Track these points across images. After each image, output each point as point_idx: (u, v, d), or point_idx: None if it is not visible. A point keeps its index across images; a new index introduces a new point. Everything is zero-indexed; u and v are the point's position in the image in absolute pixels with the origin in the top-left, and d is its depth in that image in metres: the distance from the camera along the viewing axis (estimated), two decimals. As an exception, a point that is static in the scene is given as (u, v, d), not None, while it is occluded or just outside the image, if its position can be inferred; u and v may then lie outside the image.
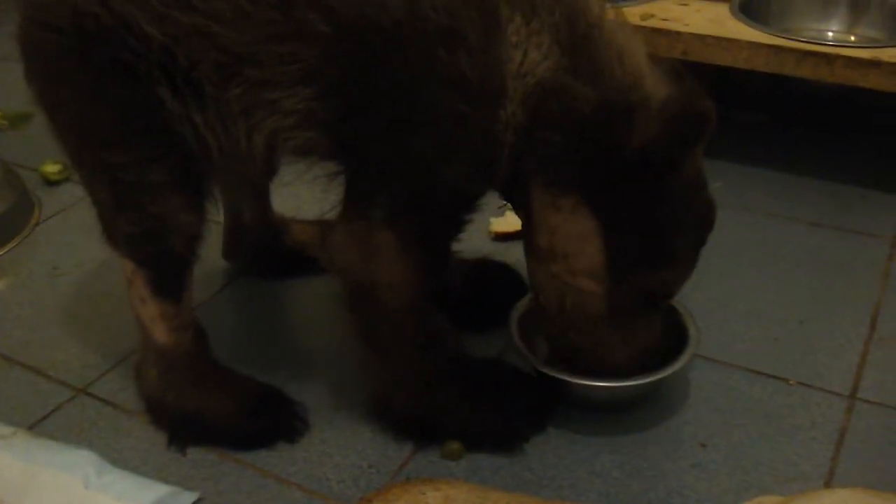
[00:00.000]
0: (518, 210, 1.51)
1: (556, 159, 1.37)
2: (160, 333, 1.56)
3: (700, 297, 1.85)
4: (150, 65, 1.34)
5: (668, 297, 1.51)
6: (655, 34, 2.22)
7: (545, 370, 1.58)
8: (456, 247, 1.61)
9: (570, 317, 1.49)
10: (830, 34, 2.44)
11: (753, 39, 2.18)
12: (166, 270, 1.52)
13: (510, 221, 2.07)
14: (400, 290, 1.46)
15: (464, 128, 1.32)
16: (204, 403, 1.58)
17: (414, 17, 1.26)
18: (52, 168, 2.32)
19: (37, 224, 2.19)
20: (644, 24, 2.24)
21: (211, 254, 1.92)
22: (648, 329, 1.54)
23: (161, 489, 1.45)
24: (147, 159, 1.41)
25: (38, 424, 1.62)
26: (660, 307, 1.53)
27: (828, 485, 1.48)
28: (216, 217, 1.76)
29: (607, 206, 1.38)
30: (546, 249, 1.46)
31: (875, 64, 2.06)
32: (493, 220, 2.07)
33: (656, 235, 1.41)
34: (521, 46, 1.31)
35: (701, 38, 2.21)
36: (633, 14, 2.28)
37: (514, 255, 1.98)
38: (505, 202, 1.54)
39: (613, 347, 1.53)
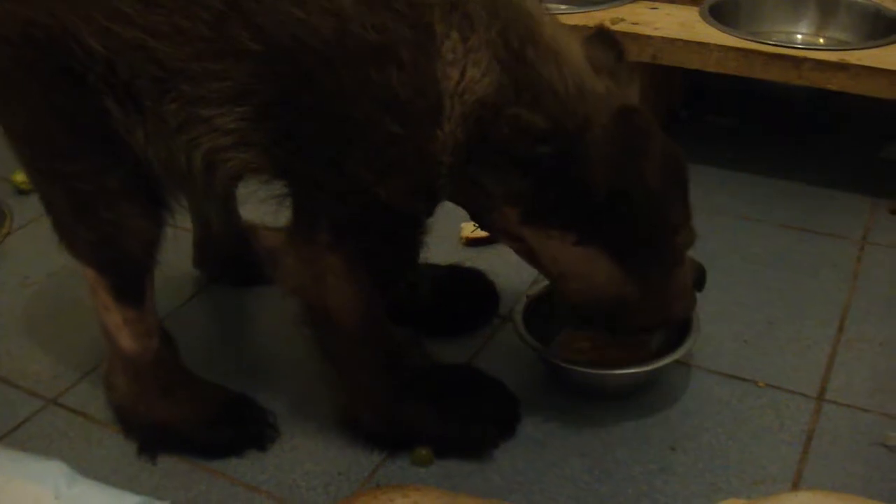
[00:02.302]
0: (491, 232, 1.54)
1: (527, 195, 1.39)
2: (125, 340, 1.56)
3: (670, 301, 1.86)
4: (95, 76, 1.34)
5: (692, 241, 1.53)
6: (625, 38, 2.22)
7: (553, 360, 1.64)
8: (426, 253, 1.61)
9: (616, 313, 1.53)
10: (799, 37, 2.46)
11: (723, 42, 2.20)
12: (126, 276, 1.52)
13: (481, 227, 2.07)
14: (352, 311, 1.47)
15: (397, 147, 1.32)
16: (173, 412, 1.58)
17: (344, 36, 1.26)
18: (22, 177, 2.30)
19: (7, 234, 2.18)
20: (614, 27, 2.25)
21: (181, 262, 1.93)
22: (688, 269, 1.57)
23: (132, 499, 1.44)
24: (100, 168, 1.41)
25: (9, 435, 1.61)
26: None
27: (796, 486, 1.49)
28: (185, 225, 1.77)
29: (593, 230, 1.42)
30: (557, 274, 1.50)
31: (842, 66, 2.07)
32: (463, 225, 2.08)
33: (656, 220, 1.44)
34: (459, 64, 1.30)
35: (671, 41, 2.22)
36: (603, 18, 2.29)
37: (486, 260, 1.99)
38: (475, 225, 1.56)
39: (669, 305, 1.57)
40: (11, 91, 1.40)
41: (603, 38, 1.49)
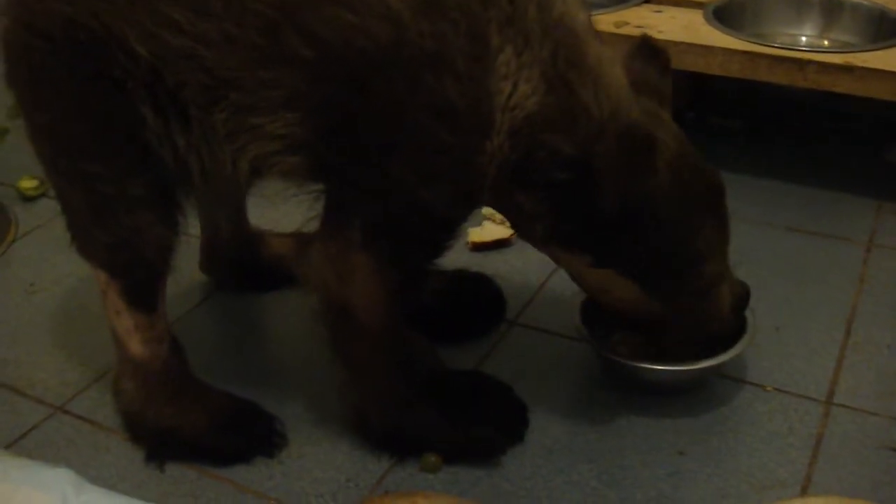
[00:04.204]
0: (528, 243, 1.57)
1: (548, 217, 1.42)
2: (135, 346, 1.55)
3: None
4: (136, 82, 1.34)
5: (722, 265, 1.56)
6: (630, 42, 2.22)
7: (609, 356, 1.65)
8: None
9: (652, 323, 1.57)
10: (804, 39, 2.46)
11: (727, 46, 2.19)
12: (140, 281, 1.52)
13: (488, 232, 2.07)
14: (375, 312, 1.46)
15: (447, 157, 1.33)
16: (181, 419, 1.58)
17: (400, 43, 1.26)
18: (28, 184, 2.31)
19: (13, 241, 2.18)
20: (618, 31, 2.25)
21: (189, 268, 1.93)
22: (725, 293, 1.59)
23: (139, 506, 1.45)
24: (125, 173, 1.41)
25: (16, 443, 1.61)
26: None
27: (805, 491, 1.49)
28: (193, 231, 1.77)
29: (606, 254, 1.45)
30: (584, 285, 1.57)
31: (847, 69, 2.07)
32: (470, 230, 2.08)
33: (673, 247, 1.47)
34: (511, 78, 1.31)
35: (675, 44, 2.21)
36: (608, 21, 2.29)
37: (492, 265, 1.99)
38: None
39: (701, 327, 1.60)
40: (45, 87, 1.39)
41: (646, 49, 1.50)
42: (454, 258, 1.97)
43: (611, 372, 1.71)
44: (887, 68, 2.05)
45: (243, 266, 1.96)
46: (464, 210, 1.47)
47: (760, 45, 2.18)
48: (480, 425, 1.56)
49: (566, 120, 1.34)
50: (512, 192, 1.42)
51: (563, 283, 1.68)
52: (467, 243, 2.08)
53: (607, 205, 1.37)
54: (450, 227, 1.48)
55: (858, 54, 2.12)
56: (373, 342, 1.49)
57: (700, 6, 2.37)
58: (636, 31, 2.25)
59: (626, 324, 1.65)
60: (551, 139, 1.34)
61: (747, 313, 1.68)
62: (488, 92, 1.30)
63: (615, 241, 1.43)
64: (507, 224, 2.04)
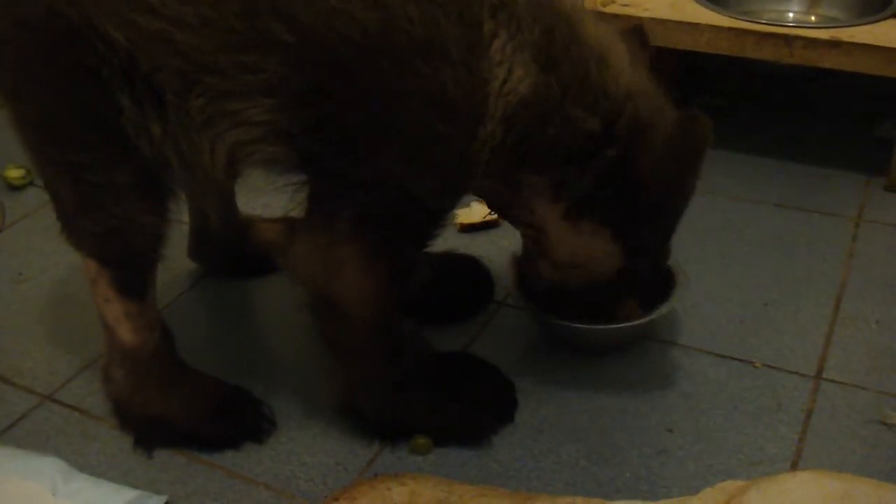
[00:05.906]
0: (512, 223, 1.57)
1: (575, 190, 1.42)
2: (125, 333, 1.55)
3: (665, 283, 1.85)
4: (112, 71, 1.32)
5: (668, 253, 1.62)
6: (617, 20, 2.22)
7: (548, 319, 1.68)
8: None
9: (584, 288, 1.59)
10: (791, 15, 2.45)
11: (714, 22, 2.19)
12: (130, 269, 1.51)
13: (475, 213, 2.07)
14: (364, 303, 1.45)
15: (441, 146, 1.31)
16: (170, 405, 1.57)
17: (388, 29, 1.24)
18: (15, 173, 2.30)
19: (0, 230, 2.17)
20: (604, 9, 2.24)
21: (177, 254, 1.92)
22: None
23: (129, 494, 1.45)
24: (111, 163, 1.40)
25: (5, 433, 1.61)
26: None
27: (794, 466, 1.49)
28: (181, 217, 1.76)
29: (627, 228, 1.47)
30: (567, 262, 1.55)
31: (834, 44, 2.06)
32: (458, 211, 2.07)
33: (669, 230, 1.53)
34: (505, 64, 1.30)
35: (662, 22, 2.21)
36: (594, 0, 2.28)
37: (480, 246, 1.99)
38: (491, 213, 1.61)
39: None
40: (28, 76, 1.37)
41: (635, 37, 1.50)
42: (442, 240, 1.97)
43: (549, 334, 1.76)
44: (874, 43, 2.05)
45: (232, 252, 1.95)
46: (455, 199, 1.45)
47: (747, 21, 2.18)
48: (469, 407, 1.56)
49: (576, 95, 1.34)
50: (513, 174, 1.42)
51: (550, 264, 1.68)
52: (455, 225, 2.08)
53: (650, 196, 1.41)
54: (440, 217, 1.47)
55: (845, 29, 2.12)
56: (362, 332, 1.49)
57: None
58: (622, 10, 2.25)
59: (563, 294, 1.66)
60: (577, 117, 1.34)
61: (678, 272, 1.72)
62: (483, 79, 1.28)
63: (642, 214, 1.45)
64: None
